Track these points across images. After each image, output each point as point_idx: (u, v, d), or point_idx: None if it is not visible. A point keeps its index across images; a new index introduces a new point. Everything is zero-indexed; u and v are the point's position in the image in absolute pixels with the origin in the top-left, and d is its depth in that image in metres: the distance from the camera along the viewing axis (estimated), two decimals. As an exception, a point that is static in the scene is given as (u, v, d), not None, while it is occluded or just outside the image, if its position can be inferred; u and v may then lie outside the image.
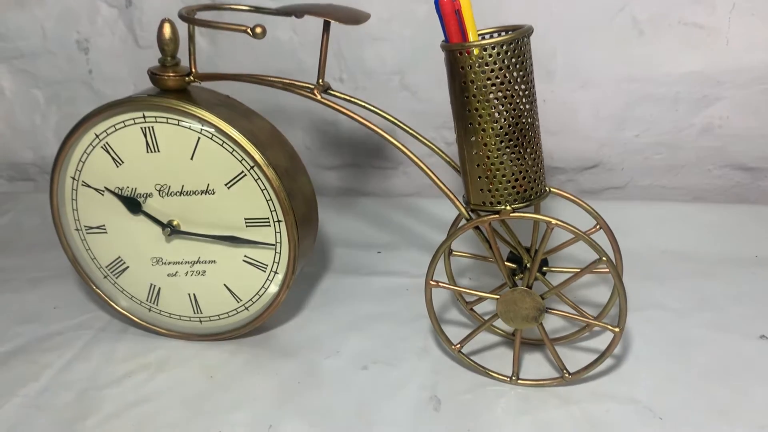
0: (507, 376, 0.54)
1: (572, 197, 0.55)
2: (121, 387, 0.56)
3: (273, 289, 0.59)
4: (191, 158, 0.55)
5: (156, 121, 0.54)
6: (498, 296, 0.52)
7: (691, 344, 0.58)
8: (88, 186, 0.58)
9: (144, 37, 0.91)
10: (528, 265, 0.55)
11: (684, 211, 0.80)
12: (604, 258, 0.48)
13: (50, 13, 0.92)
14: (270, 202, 0.55)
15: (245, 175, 0.55)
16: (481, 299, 0.57)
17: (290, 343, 0.61)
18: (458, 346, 0.54)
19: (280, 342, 0.61)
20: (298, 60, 0.87)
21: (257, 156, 0.53)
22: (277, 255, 0.57)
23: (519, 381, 0.54)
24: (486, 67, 0.46)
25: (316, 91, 0.53)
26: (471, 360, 0.55)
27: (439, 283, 0.53)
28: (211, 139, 0.54)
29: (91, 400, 0.54)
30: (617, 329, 0.50)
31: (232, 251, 0.58)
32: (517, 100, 0.47)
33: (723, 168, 0.85)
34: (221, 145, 0.54)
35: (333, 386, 0.55)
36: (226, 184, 0.55)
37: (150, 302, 0.62)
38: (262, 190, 0.55)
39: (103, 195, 0.58)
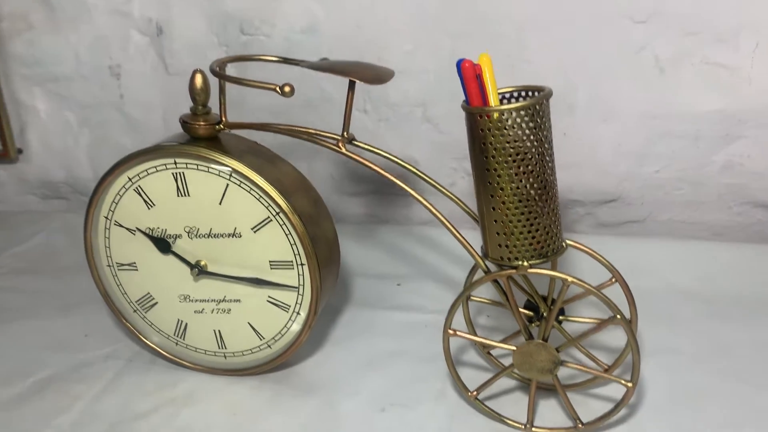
0: (522, 424, 0.55)
1: (589, 250, 0.56)
2: (148, 421, 0.58)
3: (295, 328, 0.61)
4: (220, 203, 0.57)
5: (187, 167, 0.56)
6: (514, 348, 0.53)
7: (706, 394, 0.58)
8: (121, 226, 0.60)
9: (174, 65, 0.94)
10: (545, 314, 0.57)
11: (703, 248, 0.81)
12: (618, 316, 0.49)
13: (84, 40, 0.95)
14: (294, 247, 0.57)
15: (271, 220, 0.57)
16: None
17: (311, 380, 0.63)
18: (474, 393, 0.56)
19: (301, 379, 0.63)
20: (321, 89, 0.88)
21: (283, 203, 0.55)
22: (300, 297, 0.59)
23: (533, 429, 0.55)
24: (505, 131, 0.47)
25: (340, 144, 0.55)
26: (487, 407, 0.56)
27: (457, 332, 0.55)
28: (239, 185, 0.56)
29: (120, 434, 0.57)
30: (630, 384, 0.51)
31: (257, 291, 0.60)
32: (536, 162, 0.48)
33: (744, 205, 0.85)
34: (249, 192, 0.56)
35: (352, 428, 0.56)
36: (252, 228, 0.57)
37: (177, 336, 0.64)
38: (286, 235, 0.57)
39: (134, 234, 0.60)
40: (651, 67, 0.80)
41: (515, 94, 0.52)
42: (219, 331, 0.62)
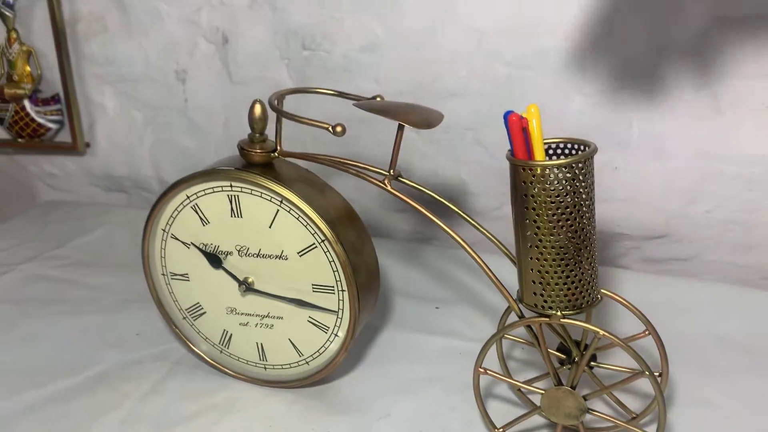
0: (545, 463, 0.56)
1: (624, 302, 0.57)
2: (190, 426, 0.62)
3: (333, 348, 0.63)
4: (270, 226, 0.60)
5: (242, 191, 0.59)
6: (543, 391, 0.54)
7: (736, 451, 0.58)
8: (177, 239, 0.64)
9: (237, 74, 0.97)
10: (576, 359, 0.58)
11: (750, 295, 0.79)
12: (646, 372, 0.50)
13: (154, 45, 1.00)
14: (336, 273, 0.59)
15: (316, 246, 0.59)
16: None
17: (345, 398, 0.65)
18: (501, 430, 0.57)
19: (336, 396, 0.65)
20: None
21: (328, 232, 0.57)
22: (339, 320, 0.61)
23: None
24: (548, 185, 0.48)
25: (386, 181, 0.57)
26: (511, 446, 0.58)
27: (487, 371, 0.56)
28: (288, 212, 0.58)
29: (163, 436, 0.61)
30: (655, 439, 0.52)
31: (299, 311, 0.63)
32: (576, 217, 0.49)
33: (797, 252, 0.83)
34: (297, 219, 0.58)
35: (381, 451, 0.59)
36: (298, 253, 0.60)
37: (222, 345, 0.67)
38: (330, 262, 0.59)
39: (188, 248, 0.64)
40: (708, 107, 0.79)
41: (561, 146, 0.53)
42: (261, 344, 0.65)
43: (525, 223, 0.50)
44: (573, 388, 0.53)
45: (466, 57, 0.85)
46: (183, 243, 0.64)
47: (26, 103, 1.04)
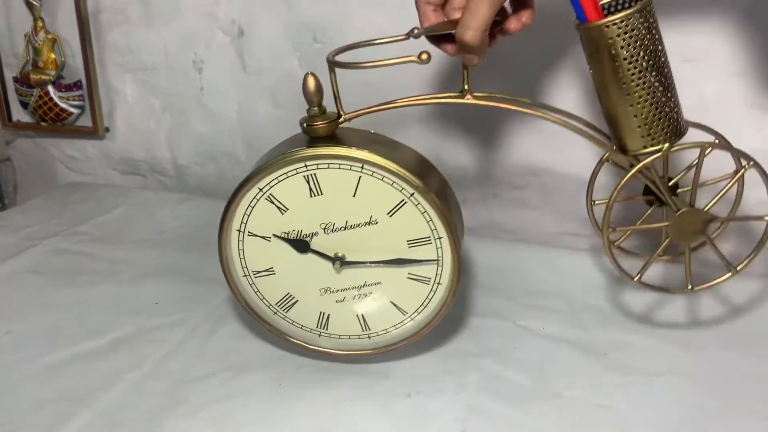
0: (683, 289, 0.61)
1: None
2: (206, 384, 0.64)
3: (437, 297, 0.62)
4: (354, 196, 0.58)
5: (318, 168, 0.57)
6: (667, 223, 0.59)
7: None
8: (255, 235, 0.61)
9: (251, 65, 0.99)
10: (664, 199, 0.61)
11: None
12: (751, 162, 0.57)
13: (173, 35, 1.01)
14: (430, 223, 0.58)
15: (406, 202, 0.57)
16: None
17: (349, 364, 0.67)
18: (638, 277, 0.61)
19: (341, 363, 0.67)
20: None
21: (418, 184, 0.56)
22: (440, 268, 0.60)
23: (695, 288, 0.61)
24: (633, 33, 0.52)
25: (469, 95, 0.58)
26: (650, 285, 0.62)
27: (616, 229, 0.62)
28: (371, 176, 0.56)
29: (181, 392, 0.62)
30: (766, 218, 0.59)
31: (397, 271, 0.61)
32: (657, 56, 0.54)
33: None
34: (381, 180, 0.57)
35: (380, 408, 0.60)
36: (388, 214, 0.58)
37: (320, 328, 0.65)
38: (422, 213, 0.58)
39: (269, 241, 0.61)
40: (696, 105, 0.74)
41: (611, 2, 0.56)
42: (362, 315, 0.64)
43: (617, 77, 0.54)
44: (692, 206, 0.58)
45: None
46: (262, 237, 0.61)
47: (50, 88, 1.08)
